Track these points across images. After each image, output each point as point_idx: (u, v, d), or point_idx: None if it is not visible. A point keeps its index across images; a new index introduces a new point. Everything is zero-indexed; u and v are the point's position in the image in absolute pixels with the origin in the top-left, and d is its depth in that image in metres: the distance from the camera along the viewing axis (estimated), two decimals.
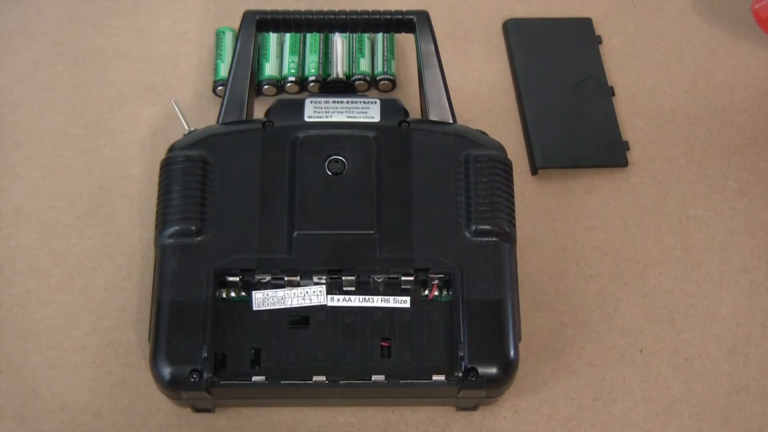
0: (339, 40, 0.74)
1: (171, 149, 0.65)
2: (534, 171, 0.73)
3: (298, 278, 0.61)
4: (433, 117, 0.67)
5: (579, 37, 0.79)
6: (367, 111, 0.66)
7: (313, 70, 0.75)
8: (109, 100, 0.75)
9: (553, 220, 0.72)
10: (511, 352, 0.59)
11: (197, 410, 0.64)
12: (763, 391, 0.67)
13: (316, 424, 0.64)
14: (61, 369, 0.66)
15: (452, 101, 0.68)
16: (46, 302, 0.68)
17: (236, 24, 0.70)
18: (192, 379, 0.58)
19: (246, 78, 0.68)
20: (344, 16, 0.68)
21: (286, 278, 0.61)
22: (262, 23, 0.68)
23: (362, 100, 0.67)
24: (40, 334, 0.67)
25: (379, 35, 0.77)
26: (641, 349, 0.68)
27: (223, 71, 0.75)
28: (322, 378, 0.59)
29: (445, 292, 0.61)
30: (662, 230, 0.72)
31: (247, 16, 0.68)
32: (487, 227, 0.62)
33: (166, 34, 0.78)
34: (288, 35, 0.77)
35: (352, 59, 0.76)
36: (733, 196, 0.73)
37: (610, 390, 0.66)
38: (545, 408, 0.66)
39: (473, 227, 0.62)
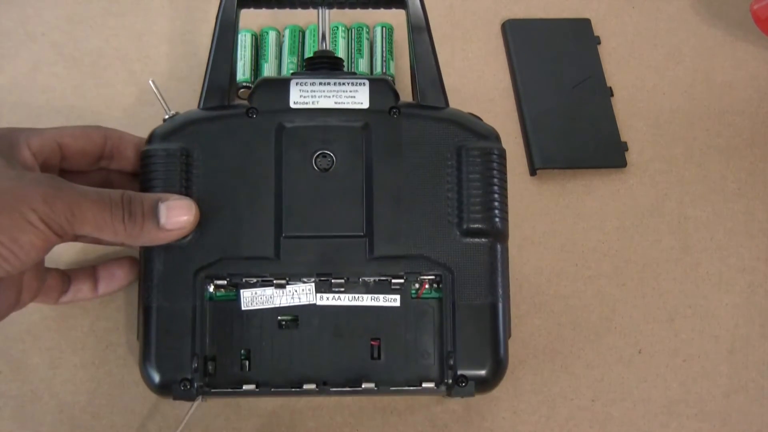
0: (327, 15, 0.69)
1: (150, 139, 0.61)
2: (532, 172, 0.73)
3: (286, 281, 0.60)
4: (424, 100, 0.64)
5: (578, 37, 0.79)
6: (356, 95, 0.63)
7: None
8: (107, 101, 0.75)
9: (551, 220, 0.72)
10: (501, 353, 0.59)
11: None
12: (761, 391, 0.67)
13: (315, 425, 0.64)
14: (59, 370, 0.66)
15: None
16: None
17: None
18: (182, 388, 0.58)
19: (228, 59, 0.64)
20: None
21: (274, 281, 0.60)
22: None
23: (350, 81, 0.64)
24: (39, 335, 0.67)
25: (378, 34, 0.77)
26: (640, 349, 0.68)
27: None
28: (313, 386, 0.59)
29: (435, 285, 0.61)
30: (661, 231, 0.72)
31: None
32: (480, 227, 0.60)
33: (165, 35, 0.78)
34: (287, 35, 0.77)
35: (350, 60, 0.76)
36: (732, 197, 0.73)
37: (609, 391, 0.66)
38: (544, 408, 0.66)
39: (465, 226, 0.60)
